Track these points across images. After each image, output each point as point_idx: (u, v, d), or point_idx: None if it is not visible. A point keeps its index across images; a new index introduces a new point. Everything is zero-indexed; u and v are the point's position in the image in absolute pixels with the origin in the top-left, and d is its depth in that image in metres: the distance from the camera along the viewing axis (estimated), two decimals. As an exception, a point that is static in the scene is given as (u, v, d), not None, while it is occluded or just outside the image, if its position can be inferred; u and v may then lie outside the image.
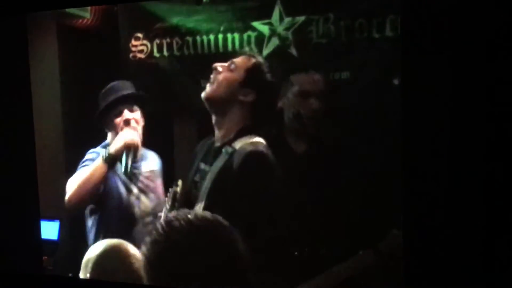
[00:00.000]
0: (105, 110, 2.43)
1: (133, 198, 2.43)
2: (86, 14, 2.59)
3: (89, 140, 2.51)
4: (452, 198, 1.83)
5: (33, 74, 2.56)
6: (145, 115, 2.45)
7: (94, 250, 1.89)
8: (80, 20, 2.59)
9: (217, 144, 2.26)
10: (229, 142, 2.20)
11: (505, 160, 1.77)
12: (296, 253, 2.16)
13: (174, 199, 2.27)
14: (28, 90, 2.55)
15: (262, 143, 2.18)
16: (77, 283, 2.21)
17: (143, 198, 2.43)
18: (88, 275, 1.87)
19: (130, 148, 2.38)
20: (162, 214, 2.28)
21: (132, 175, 2.43)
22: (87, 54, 2.58)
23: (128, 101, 2.42)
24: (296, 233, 2.16)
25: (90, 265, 1.87)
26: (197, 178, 2.29)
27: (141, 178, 2.45)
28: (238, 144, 2.18)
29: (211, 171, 2.22)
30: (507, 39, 1.75)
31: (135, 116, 2.42)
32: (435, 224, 1.86)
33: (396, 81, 2.03)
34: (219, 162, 2.20)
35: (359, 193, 2.09)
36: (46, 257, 2.56)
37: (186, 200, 2.30)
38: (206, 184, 2.22)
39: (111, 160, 2.38)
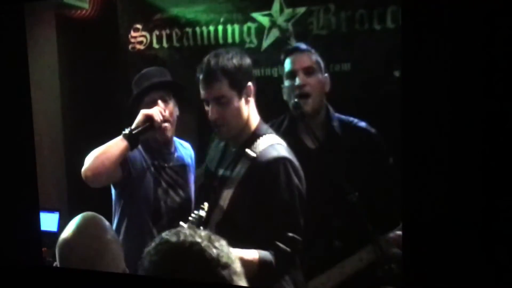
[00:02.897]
0: (137, 97, 2.29)
1: (160, 192, 2.31)
2: (84, 5, 2.58)
3: (88, 130, 2.50)
4: (452, 192, 1.83)
5: (32, 65, 2.55)
6: (180, 104, 2.31)
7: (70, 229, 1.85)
8: (79, 11, 2.57)
9: (233, 148, 2.19)
10: (247, 145, 2.12)
11: (506, 154, 1.77)
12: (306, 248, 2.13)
13: (199, 224, 2.13)
14: (26, 81, 2.53)
15: (282, 144, 2.11)
16: (77, 274, 2.21)
17: (171, 193, 2.32)
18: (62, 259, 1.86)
19: (151, 122, 2.22)
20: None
21: (161, 168, 2.32)
22: (86, 46, 2.57)
23: (163, 89, 2.28)
24: (307, 227, 2.14)
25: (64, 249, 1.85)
26: (215, 183, 2.21)
27: (170, 172, 2.34)
28: (257, 148, 2.10)
29: (233, 177, 2.14)
30: (508, 32, 1.75)
31: (168, 106, 2.27)
32: (435, 220, 1.86)
33: (396, 73, 2.03)
34: (241, 168, 2.12)
35: (362, 186, 2.09)
36: (45, 248, 2.56)
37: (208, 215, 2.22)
38: (228, 190, 2.14)
39: (131, 135, 2.20)
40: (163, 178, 2.33)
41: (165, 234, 1.47)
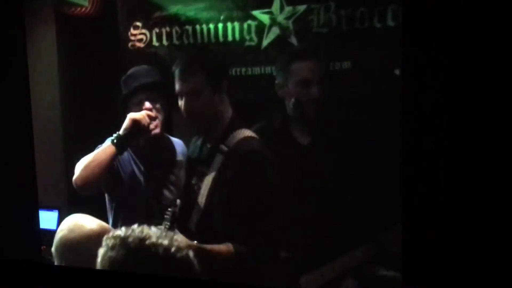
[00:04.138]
0: (125, 98, 2.29)
1: (152, 190, 2.31)
2: (84, 2, 2.57)
3: (87, 128, 2.50)
4: (453, 190, 1.83)
5: (31, 63, 2.54)
6: (169, 103, 2.28)
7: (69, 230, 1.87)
8: (79, 8, 2.56)
9: (209, 144, 2.21)
10: (221, 140, 2.13)
11: (506, 154, 1.77)
12: (299, 244, 2.15)
13: (173, 220, 2.16)
14: (25, 79, 2.53)
15: (254, 137, 2.13)
16: (75, 272, 2.20)
17: (163, 190, 2.31)
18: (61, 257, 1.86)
19: (139, 127, 2.21)
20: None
21: (151, 166, 2.32)
22: (86, 43, 2.56)
23: (151, 90, 2.26)
24: (298, 224, 2.15)
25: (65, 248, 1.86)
26: (194, 180, 2.24)
27: (162, 169, 2.33)
28: (230, 141, 2.12)
29: (209, 173, 2.16)
30: (509, 30, 1.74)
31: (156, 105, 2.25)
32: (436, 217, 1.86)
33: (397, 71, 2.03)
34: (216, 163, 2.14)
35: (360, 184, 2.09)
36: (44, 246, 2.55)
37: (186, 211, 2.23)
38: (205, 186, 2.16)
39: (119, 141, 2.21)
40: (154, 176, 2.32)
41: (119, 229, 1.52)
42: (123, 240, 1.48)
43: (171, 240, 1.50)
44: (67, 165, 2.54)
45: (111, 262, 1.49)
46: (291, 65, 2.15)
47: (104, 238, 1.52)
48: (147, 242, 1.47)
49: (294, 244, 2.15)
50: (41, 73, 2.62)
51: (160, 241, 1.48)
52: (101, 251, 1.51)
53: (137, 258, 1.47)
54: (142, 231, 1.50)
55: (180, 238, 2.11)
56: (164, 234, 1.52)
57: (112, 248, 1.48)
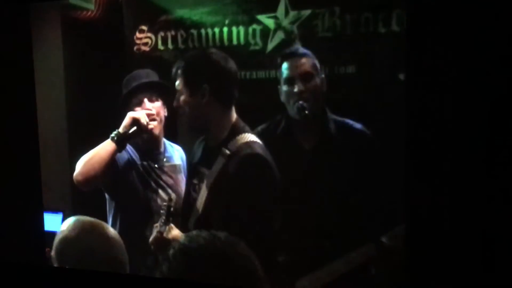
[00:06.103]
0: (126, 97, 2.36)
1: (150, 192, 2.36)
2: (90, 6, 2.58)
3: (93, 132, 2.50)
4: (455, 194, 1.83)
5: (37, 66, 2.55)
6: (168, 106, 2.37)
7: (69, 229, 1.88)
8: (84, 12, 2.58)
9: (212, 144, 2.26)
10: (224, 143, 2.18)
11: (508, 156, 1.77)
12: (298, 247, 2.16)
13: (168, 215, 2.24)
14: (32, 82, 2.54)
15: (257, 142, 2.17)
16: (79, 275, 2.21)
17: (160, 192, 2.36)
18: (60, 256, 1.86)
19: (138, 125, 2.29)
20: (158, 226, 2.26)
21: (149, 168, 2.37)
22: (91, 47, 2.57)
23: (150, 90, 2.35)
24: (297, 227, 2.16)
25: (64, 245, 1.86)
26: (195, 180, 2.29)
27: (159, 172, 2.38)
28: (233, 145, 2.17)
29: (209, 174, 2.22)
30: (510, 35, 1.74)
31: (155, 105, 2.35)
32: (439, 219, 1.86)
33: (401, 76, 2.03)
34: (217, 165, 2.19)
35: (363, 187, 2.10)
36: (48, 248, 2.56)
37: (184, 208, 2.30)
38: (205, 187, 2.21)
39: (119, 138, 2.29)
40: (152, 179, 2.38)
41: (183, 240, 1.45)
42: (196, 252, 1.40)
43: (241, 248, 1.43)
44: (72, 168, 2.54)
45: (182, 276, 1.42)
46: (281, 67, 2.21)
47: (172, 252, 1.43)
48: (220, 253, 1.40)
49: (292, 248, 2.17)
50: (46, 77, 2.63)
51: (232, 251, 1.41)
52: (170, 265, 1.42)
53: (207, 270, 1.40)
54: (212, 240, 1.43)
55: (176, 233, 2.18)
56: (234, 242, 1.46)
57: (182, 262, 1.40)
